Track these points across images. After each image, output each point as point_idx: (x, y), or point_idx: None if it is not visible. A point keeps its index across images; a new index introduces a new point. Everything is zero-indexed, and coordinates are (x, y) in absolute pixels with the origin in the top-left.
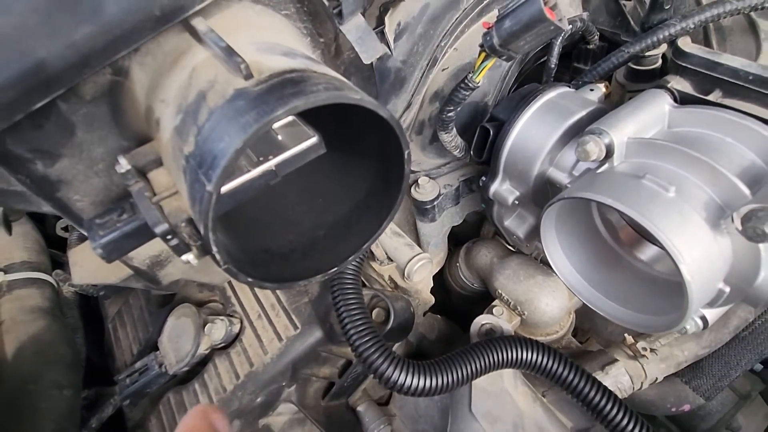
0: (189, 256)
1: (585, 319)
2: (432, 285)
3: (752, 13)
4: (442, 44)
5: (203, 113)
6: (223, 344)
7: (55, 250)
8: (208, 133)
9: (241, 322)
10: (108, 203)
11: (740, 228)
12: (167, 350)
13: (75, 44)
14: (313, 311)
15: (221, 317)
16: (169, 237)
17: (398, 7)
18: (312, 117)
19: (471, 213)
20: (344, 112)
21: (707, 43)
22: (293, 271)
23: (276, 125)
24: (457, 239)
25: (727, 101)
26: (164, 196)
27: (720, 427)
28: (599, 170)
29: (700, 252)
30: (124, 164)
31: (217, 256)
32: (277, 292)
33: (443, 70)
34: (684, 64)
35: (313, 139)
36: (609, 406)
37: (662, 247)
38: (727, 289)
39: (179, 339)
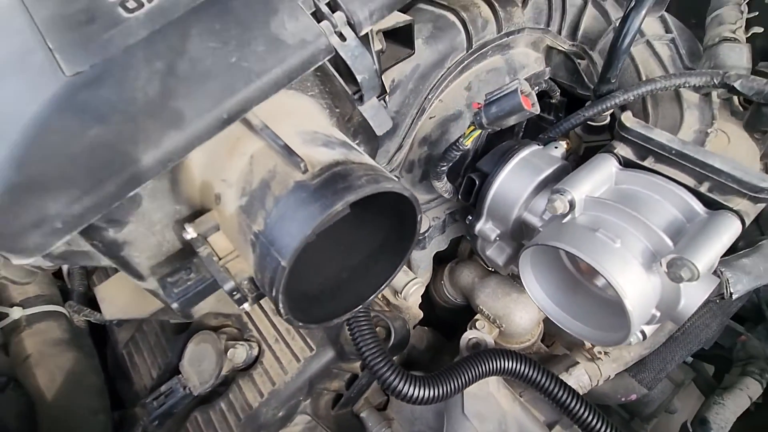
0: (246, 305)
1: (551, 326)
2: (420, 302)
3: None
4: (429, 96)
5: (269, 200)
6: (243, 366)
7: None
8: (276, 218)
9: (259, 346)
10: (159, 256)
11: (666, 271)
12: (190, 373)
13: (161, 146)
14: (325, 334)
15: (241, 342)
16: (234, 293)
17: (392, 67)
18: None
19: None
20: None
21: (644, 107)
22: (327, 310)
23: None
24: (438, 256)
25: (658, 167)
26: (229, 260)
27: (660, 410)
28: (564, 220)
29: (638, 288)
30: (191, 232)
31: (282, 311)
32: None
33: (430, 118)
34: (626, 135)
35: None
36: (573, 402)
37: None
38: (658, 314)
39: (201, 363)
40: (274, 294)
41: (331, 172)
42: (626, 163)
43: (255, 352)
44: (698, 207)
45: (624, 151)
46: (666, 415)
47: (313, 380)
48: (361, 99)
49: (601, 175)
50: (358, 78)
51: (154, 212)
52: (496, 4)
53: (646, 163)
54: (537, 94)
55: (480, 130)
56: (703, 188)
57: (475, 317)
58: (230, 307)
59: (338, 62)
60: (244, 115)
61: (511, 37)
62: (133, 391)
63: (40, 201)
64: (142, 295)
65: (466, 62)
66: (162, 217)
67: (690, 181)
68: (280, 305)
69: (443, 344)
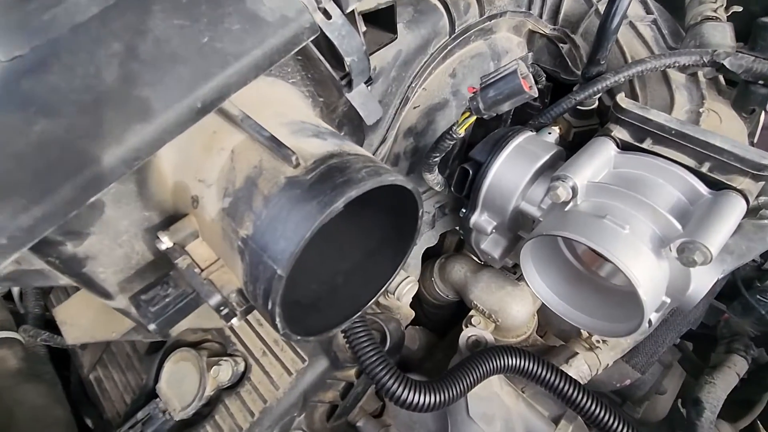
0: (234, 321)
1: (541, 317)
2: (411, 301)
3: None
4: (413, 85)
5: (257, 200)
6: (229, 384)
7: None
8: (268, 219)
9: (246, 361)
10: (128, 270)
11: (677, 256)
12: (168, 396)
13: (125, 142)
14: (317, 342)
15: (225, 358)
16: (221, 308)
17: (374, 54)
18: None
19: None
20: None
21: (632, 88)
22: (324, 319)
23: None
24: (425, 252)
25: (657, 148)
26: (212, 271)
27: (651, 393)
28: (566, 208)
29: (649, 275)
30: (166, 241)
31: (279, 326)
32: None
33: (415, 107)
34: (622, 117)
35: None
36: (577, 394)
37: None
38: (668, 300)
39: (181, 384)
40: (270, 306)
41: (327, 165)
42: (624, 146)
43: (241, 367)
44: (702, 188)
45: (621, 133)
46: (656, 397)
47: (307, 393)
48: (349, 85)
49: (600, 160)
50: (347, 61)
51: (120, 220)
52: None
53: (644, 145)
54: None
55: (475, 117)
56: (705, 168)
57: (470, 313)
58: (211, 321)
59: (321, 44)
60: (221, 104)
61: (493, 20)
62: (105, 421)
63: None
64: (109, 314)
65: (449, 48)
66: (129, 226)
67: (690, 162)
68: (277, 319)
69: (435, 343)
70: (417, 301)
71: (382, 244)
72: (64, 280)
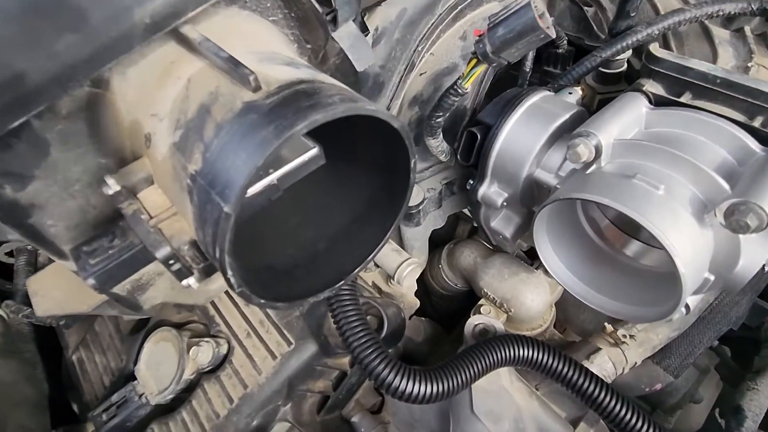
0: (191, 280)
1: (559, 311)
2: (416, 288)
3: (706, 21)
4: (419, 49)
5: (209, 128)
6: (210, 368)
7: None
8: (218, 149)
9: (229, 343)
10: (84, 226)
11: (724, 222)
12: (146, 379)
13: (57, 55)
14: (306, 325)
15: (206, 339)
16: (171, 262)
17: (375, 11)
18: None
19: None
20: (343, 122)
21: (667, 47)
22: (300, 287)
23: None
24: (432, 240)
25: (697, 103)
26: (162, 218)
27: (686, 400)
28: (588, 170)
29: (689, 245)
30: (112, 185)
31: (232, 280)
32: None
33: (421, 74)
34: (656, 68)
35: (314, 150)
36: (600, 393)
37: (647, 243)
38: (712, 278)
39: (160, 366)
40: (218, 254)
41: (293, 89)
42: (658, 102)
43: (224, 349)
44: (754, 144)
45: (654, 87)
46: (690, 406)
47: (292, 381)
48: (334, 21)
49: (629, 117)
50: None
51: (70, 166)
52: None
53: (682, 100)
54: (541, 45)
55: (483, 66)
56: (757, 123)
57: (479, 302)
58: (189, 296)
59: None
60: (177, 25)
61: None
62: (84, 403)
63: None
64: (82, 285)
65: (459, 7)
66: (81, 174)
67: (740, 116)
68: (228, 271)
69: (442, 336)
70: (424, 292)
71: (370, 207)
72: (12, 235)
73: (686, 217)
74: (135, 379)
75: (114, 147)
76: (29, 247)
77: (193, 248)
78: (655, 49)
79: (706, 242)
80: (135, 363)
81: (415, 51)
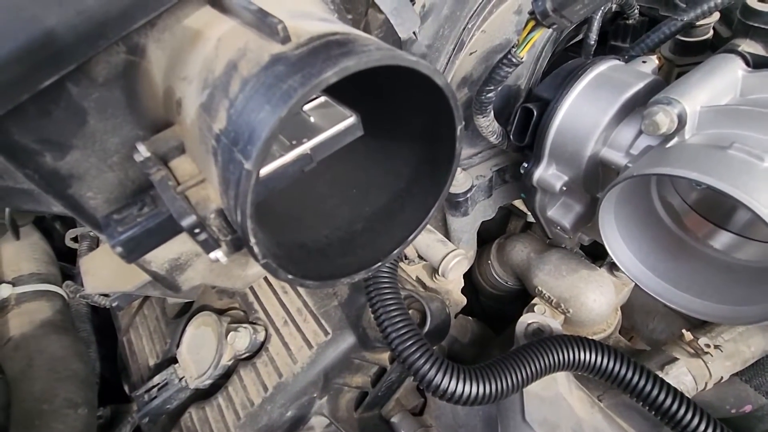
0: (218, 253)
1: (624, 318)
2: (463, 285)
3: None
4: (470, 26)
5: (235, 84)
6: (247, 354)
7: (64, 263)
8: (243, 104)
9: (266, 330)
10: (123, 200)
11: None
12: (187, 362)
13: (87, 11)
14: (344, 315)
15: (244, 325)
16: (197, 231)
17: None
18: (343, 97)
19: None
20: (381, 88)
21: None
22: (333, 267)
23: (307, 106)
24: (481, 237)
25: None
26: (190, 185)
27: None
28: (668, 144)
29: None
30: (143, 151)
31: (255, 249)
32: (304, 295)
33: (471, 54)
34: (756, 25)
35: (351, 119)
36: (679, 408)
37: (739, 234)
38: None
39: (200, 350)
40: (240, 218)
41: (325, 40)
42: (757, 63)
43: (261, 336)
44: None
45: (752, 47)
46: None
47: (328, 372)
48: None
49: (721, 81)
50: None
51: (108, 136)
52: None
53: None
54: (609, 16)
55: (541, 31)
56: None
57: (533, 302)
58: (228, 279)
59: None
60: None
61: None
62: (132, 383)
63: None
64: (128, 265)
65: None
66: (119, 145)
67: None
68: (251, 239)
69: (491, 338)
70: (472, 291)
71: (411, 184)
72: (56, 206)
73: None
74: (177, 362)
75: (151, 119)
76: (92, 234)
77: (220, 217)
78: (753, 2)
79: None
80: (177, 346)
81: (464, 28)
